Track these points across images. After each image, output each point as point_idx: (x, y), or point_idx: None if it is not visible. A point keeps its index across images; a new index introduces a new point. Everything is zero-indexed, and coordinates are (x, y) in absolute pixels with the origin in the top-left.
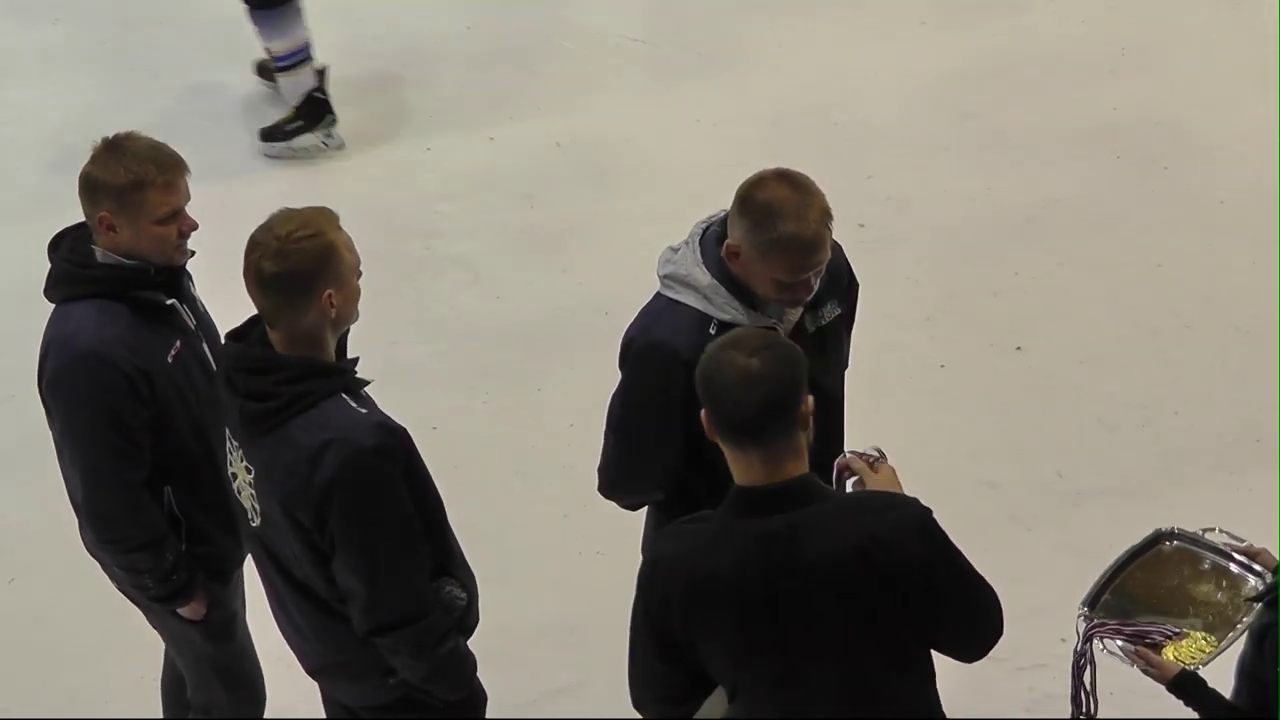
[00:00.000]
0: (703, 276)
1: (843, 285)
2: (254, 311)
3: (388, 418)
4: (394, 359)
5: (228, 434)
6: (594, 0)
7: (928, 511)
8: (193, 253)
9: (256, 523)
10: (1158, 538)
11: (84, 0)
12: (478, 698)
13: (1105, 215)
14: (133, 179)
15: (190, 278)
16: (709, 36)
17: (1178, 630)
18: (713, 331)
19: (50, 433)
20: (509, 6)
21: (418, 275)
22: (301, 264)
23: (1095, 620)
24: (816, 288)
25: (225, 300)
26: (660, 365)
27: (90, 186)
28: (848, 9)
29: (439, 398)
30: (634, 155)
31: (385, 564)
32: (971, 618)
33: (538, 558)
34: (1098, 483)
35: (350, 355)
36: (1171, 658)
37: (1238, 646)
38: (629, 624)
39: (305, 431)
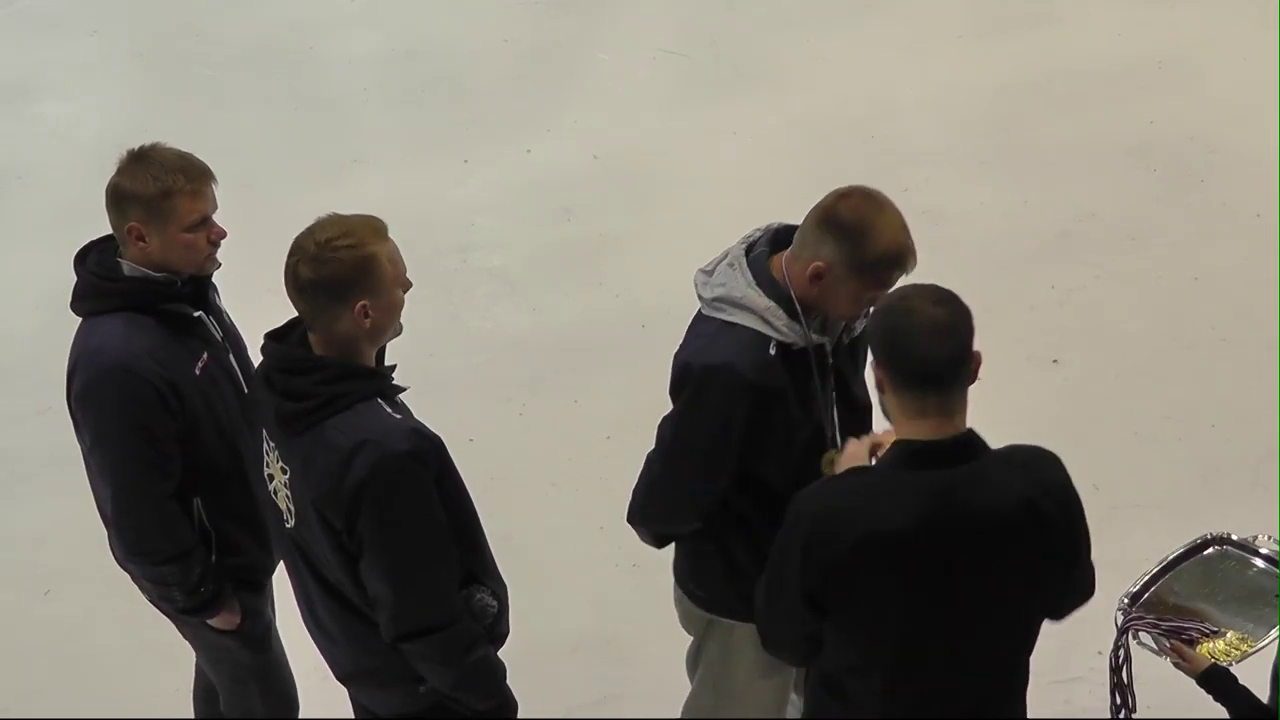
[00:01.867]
0: (759, 299)
1: None
2: (291, 314)
3: (422, 424)
4: (430, 370)
5: (265, 434)
6: (631, 13)
7: (1064, 466)
8: (219, 263)
9: (291, 524)
10: (1206, 542)
11: (121, 12)
12: (509, 707)
13: (1141, 229)
14: (161, 188)
15: (216, 290)
16: (746, 50)
17: (1215, 629)
18: (772, 352)
19: (79, 446)
20: (546, 20)
21: (454, 288)
22: (336, 272)
23: (1133, 614)
24: None
25: (255, 312)
26: (724, 390)
27: (118, 197)
28: (883, 24)
29: (476, 409)
30: (671, 168)
31: (413, 569)
32: (1085, 579)
33: (573, 570)
34: (1134, 496)
35: (388, 363)
36: (1206, 654)
37: (1273, 650)
38: (773, 572)
39: (340, 432)
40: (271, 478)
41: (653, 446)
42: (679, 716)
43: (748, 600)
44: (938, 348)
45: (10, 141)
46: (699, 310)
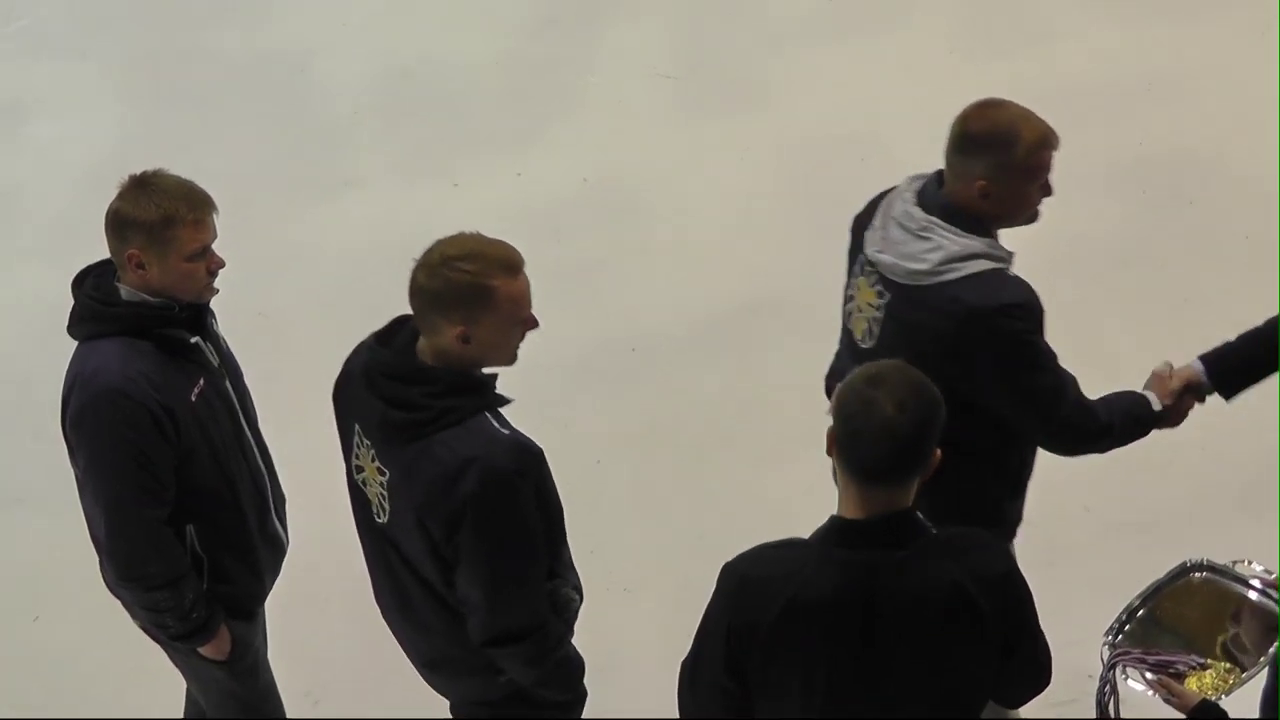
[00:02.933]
0: (975, 242)
1: None
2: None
3: (526, 438)
4: None
5: (357, 429)
6: (622, 34)
7: (1012, 557)
8: (217, 290)
9: (384, 520)
10: (1186, 569)
11: (111, 34)
12: (581, 699)
13: (1132, 250)
14: (163, 215)
15: (214, 315)
16: (737, 70)
17: (1202, 661)
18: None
19: (73, 470)
20: (537, 40)
21: None
22: (443, 290)
23: (1120, 648)
24: None
25: (247, 334)
26: (1039, 319)
27: (119, 223)
28: (875, 43)
29: None
30: (661, 189)
31: (508, 582)
32: (1035, 670)
33: None
34: (1126, 518)
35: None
36: (1194, 688)
37: (1261, 678)
38: (691, 640)
39: (448, 448)
40: (360, 469)
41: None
42: None
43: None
44: (887, 451)
45: (1, 161)
46: (888, 290)
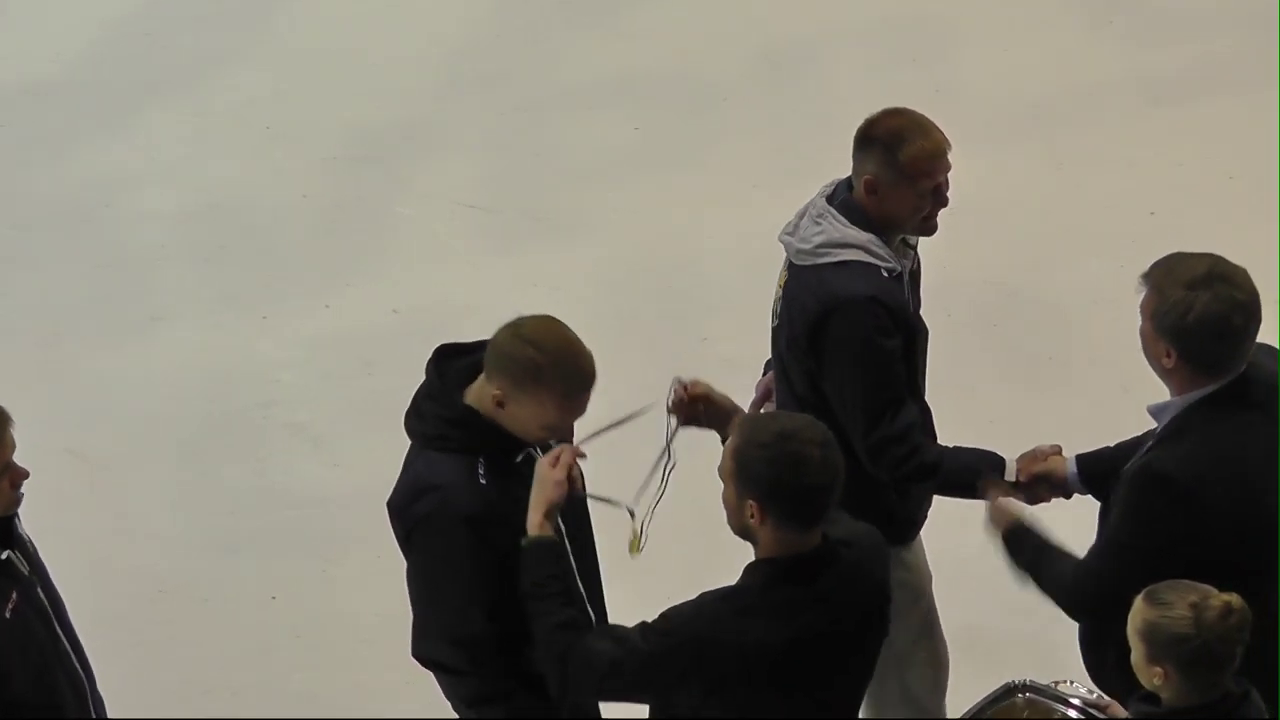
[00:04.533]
0: (858, 234)
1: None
2: None
3: (503, 500)
4: (234, 527)
5: None
6: (432, 167)
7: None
8: (22, 497)
9: None
10: (1010, 689)
11: None
12: None
13: (936, 370)
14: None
15: (18, 518)
16: (546, 203)
17: None
18: (886, 276)
19: None
20: (346, 176)
21: (258, 443)
22: (501, 350)
23: None
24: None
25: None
26: (866, 317)
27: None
28: (682, 174)
29: (280, 566)
30: (472, 321)
31: (428, 607)
32: None
33: None
34: None
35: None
36: None
37: None
38: None
39: (427, 466)
40: None
41: None
42: None
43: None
44: (829, 489)
45: None
46: (789, 271)
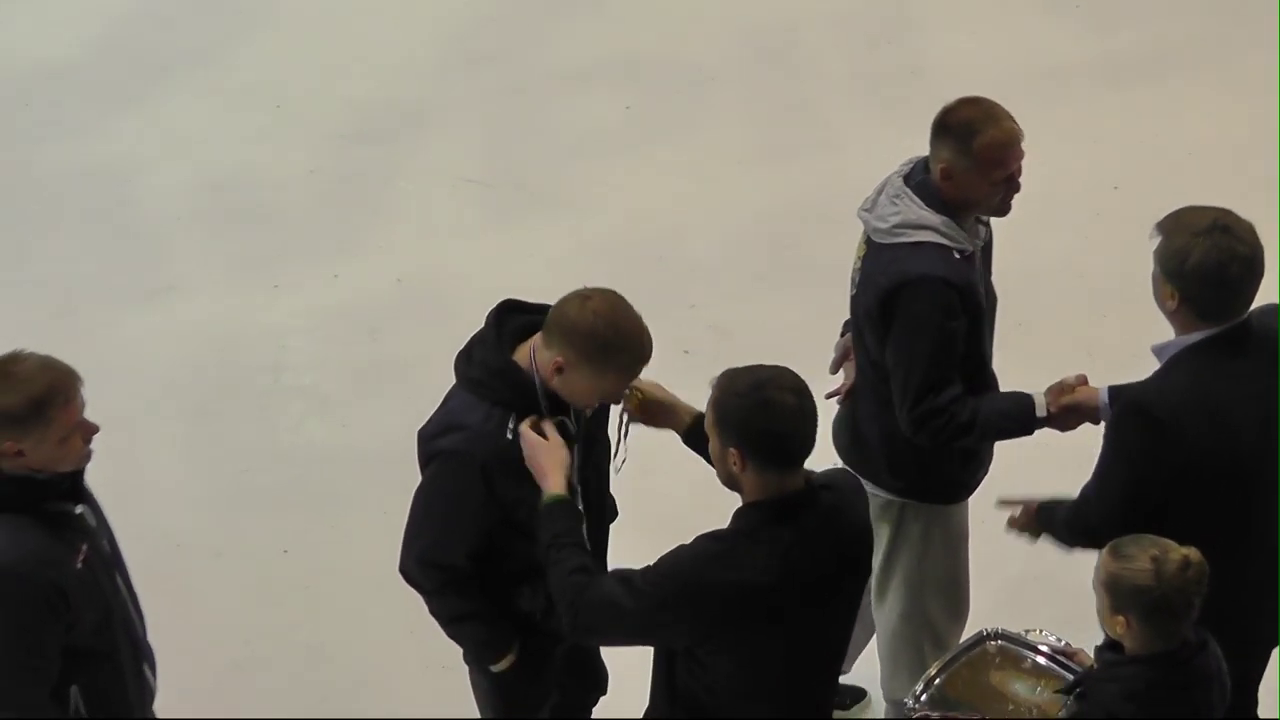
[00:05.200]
0: (932, 216)
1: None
2: None
3: (511, 443)
4: (246, 485)
5: None
6: (432, 144)
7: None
8: (92, 451)
9: None
10: (982, 638)
11: None
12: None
13: None
14: (33, 404)
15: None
16: (540, 178)
17: None
18: (958, 257)
19: None
20: (350, 151)
21: (268, 405)
22: (561, 318)
23: (920, 712)
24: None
25: None
26: (932, 297)
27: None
28: (672, 152)
29: (290, 522)
30: (471, 289)
31: (419, 528)
32: None
33: (388, 677)
34: None
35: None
36: None
37: None
38: None
39: (462, 406)
40: None
41: None
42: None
43: (942, 483)
44: (807, 432)
45: None
46: (867, 245)
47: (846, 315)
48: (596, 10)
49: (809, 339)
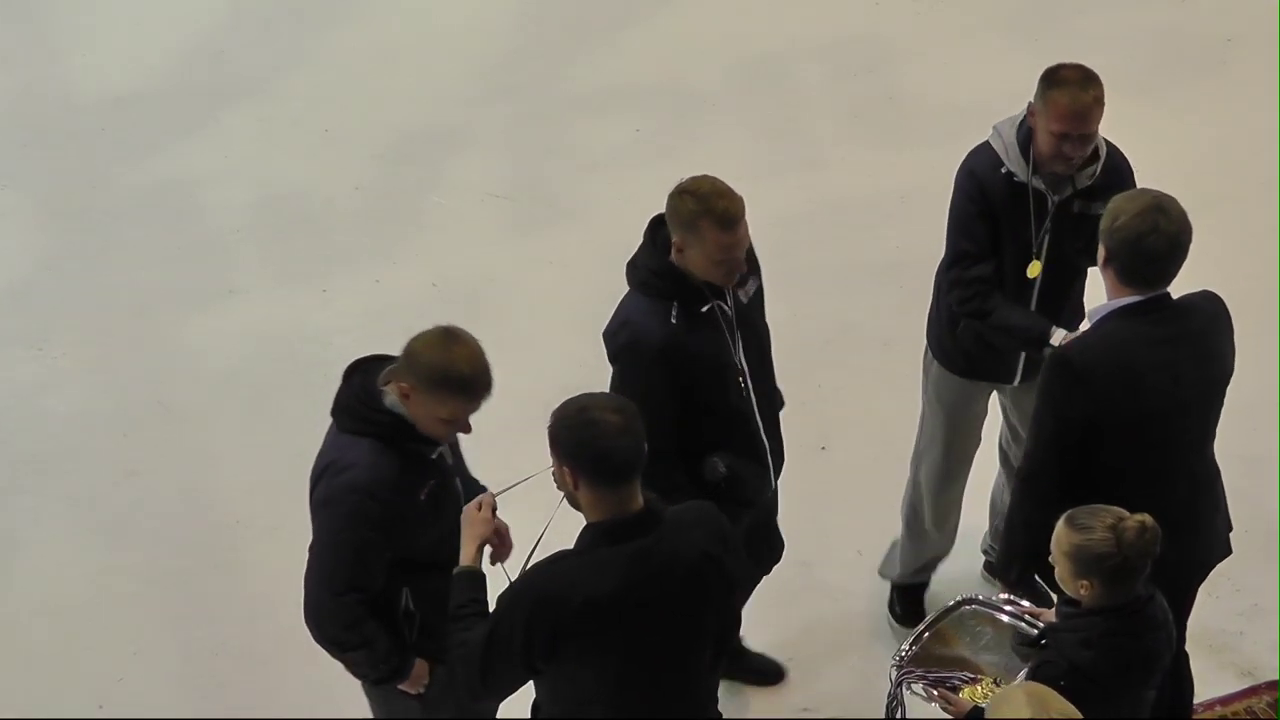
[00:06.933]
0: (1009, 132)
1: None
2: None
3: (693, 340)
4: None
5: None
6: (464, 162)
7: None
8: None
9: None
10: (961, 602)
11: (29, 166)
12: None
13: (894, 336)
14: (452, 374)
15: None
16: (561, 193)
17: (974, 676)
18: (1003, 171)
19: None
20: (391, 170)
21: (317, 397)
22: (668, 212)
23: (906, 669)
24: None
25: (147, 422)
26: (962, 180)
27: (412, 357)
28: (672, 168)
29: None
30: (498, 293)
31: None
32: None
33: None
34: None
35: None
36: (969, 698)
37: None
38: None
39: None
40: None
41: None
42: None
43: (952, 347)
44: (628, 446)
45: None
46: None
47: (829, 316)
48: (609, 45)
49: (798, 334)
